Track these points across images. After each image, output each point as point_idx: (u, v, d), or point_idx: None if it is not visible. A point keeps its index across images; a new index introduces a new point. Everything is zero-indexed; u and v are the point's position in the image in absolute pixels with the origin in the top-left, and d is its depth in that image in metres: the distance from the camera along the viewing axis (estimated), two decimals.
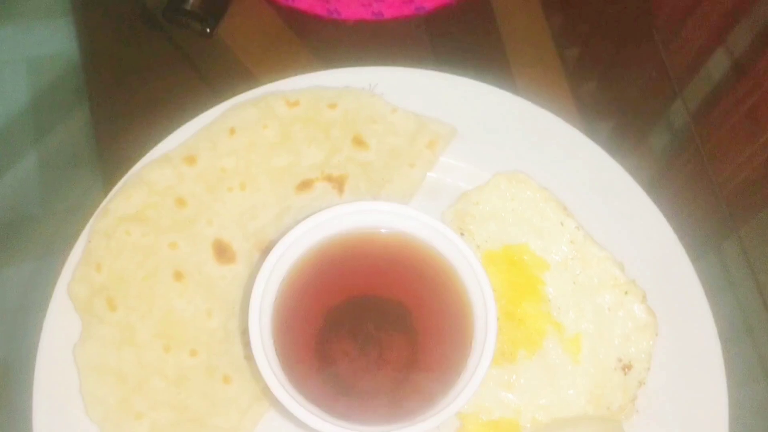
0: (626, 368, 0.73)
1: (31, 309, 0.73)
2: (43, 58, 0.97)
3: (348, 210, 0.67)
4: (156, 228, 0.73)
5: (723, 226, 0.90)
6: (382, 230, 0.68)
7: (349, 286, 0.68)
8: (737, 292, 0.87)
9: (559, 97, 0.91)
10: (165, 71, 0.92)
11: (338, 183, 0.75)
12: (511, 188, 0.78)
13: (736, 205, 0.90)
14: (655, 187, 0.80)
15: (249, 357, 0.70)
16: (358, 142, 0.77)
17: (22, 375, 0.70)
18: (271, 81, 0.81)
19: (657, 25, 0.97)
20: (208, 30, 0.87)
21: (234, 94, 0.80)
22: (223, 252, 0.73)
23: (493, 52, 0.94)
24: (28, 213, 0.87)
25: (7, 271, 0.84)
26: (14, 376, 0.73)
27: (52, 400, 0.68)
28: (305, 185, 0.75)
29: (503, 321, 0.73)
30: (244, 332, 0.70)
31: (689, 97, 0.98)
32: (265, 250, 0.73)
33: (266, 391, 0.68)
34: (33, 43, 0.97)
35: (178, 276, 0.72)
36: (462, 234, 0.75)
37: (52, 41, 0.97)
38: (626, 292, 0.74)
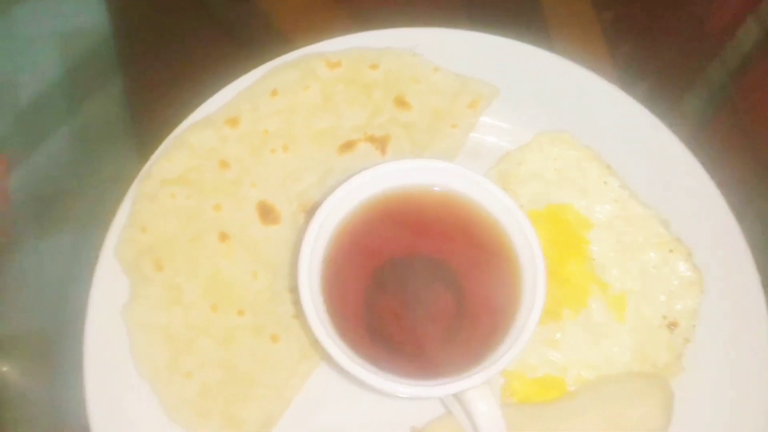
0: (672, 326, 0.73)
1: (72, 280, 0.74)
2: (75, 31, 0.97)
3: (394, 168, 0.67)
4: (200, 190, 0.73)
5: (762, 183, 0.89)
6: (429, 188, 0.67)
7: (395, 244, 0.68)
8: None
9: (596, 58, 0.90)
10: (199, 39, 0.92)
11: (381, 144, 0.75)
12: (554, 148, 0.77)
13: None
14: (693, 146, 0.79)
15: (296, 316, 0.71)
16: (401, 102, 0.76)
17: (69, 342, 0.71)
18: (308, 45, 0.81)
19: None
20: None
21: (271, 59, 0.80)
22: (267, 213, 0.73)
23: (530, 13, 0.93)
24: (63, 186, 0.88)
25: (45, 244, 0.84)
26: (62, 343, 0.74)
27: (103, 359, 0.69)
28: (348, 146, 0.75)
29: (548, 280, 0.72)
30: (292, 291, 0.71)
31: (727, 57, 0.97)
32: (309, 212, 0.73)
33: (316, 346, 0.69)
34: (64, 16, 0.97)
35: (223, 237, 0.72)
36: None
37: (84, 14, 0.97)
38: (671, 250, 0.74)
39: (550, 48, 0.83)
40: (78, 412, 0.68)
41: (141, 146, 0.83)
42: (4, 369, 0.81)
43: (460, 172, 0.67)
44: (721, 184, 0.76)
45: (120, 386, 0.69)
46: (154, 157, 0.75)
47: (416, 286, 0.68)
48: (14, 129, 0.92)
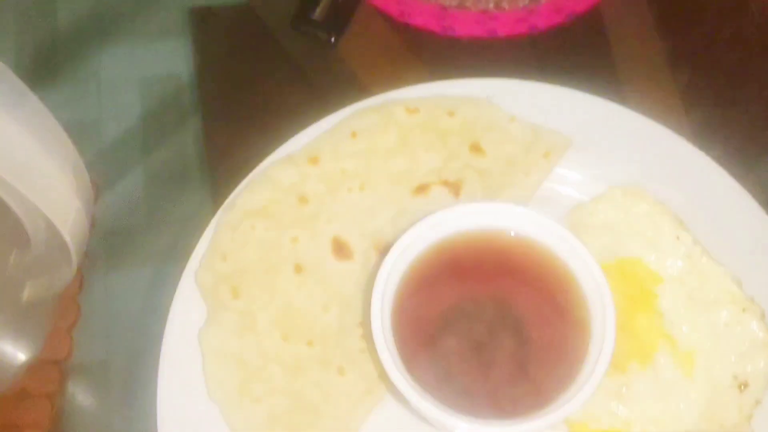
0: (742, 386, 0.71)
1: (144, 315, 0.77)
2: (156, 76, 1.02)
3: (467, 209, 0.69)
4: (279, 223, 0.76)
5: None
6: (502, 231, 0.69)
7: (465, 287, 0.69)
8: None
9: (672, 118, 0.90)
10: (277, 84, 0.96)
11: (455, 188, 0.77)
12: (627, 201, 0.78)
13: None
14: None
15: (363, 350, 0.72)
16: (476, 148, 0.78)
17: (142, 371, 0.74)
18: (385, 92, 0.84)
19: None
20: (332, 39, 0.91)
21: (347, 106, 0.83)
22: (341, 249, 0.76)
23: (604, 71, 0.95)
24: (136, 222, 0.92)
25: (117, 278, 0.88)
26: (136, 372, 0.77)
27: (176, 380, 0.71)
28: (422, 189, 0.77)
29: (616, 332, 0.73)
30: (360, 326, 0.73)
31: None
32: (382, 250, 0.75)
33: (383, 379, 0.70)
34: (147, 62, 1.02)
35: (298, 269, 0.74)
36: None
37: (167, 61, 1.02)
38: (744, 309, 0.73)
39: (623, 103, 0.84)
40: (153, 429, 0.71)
41: (214, 188, 0.87)
42: (77, 393, 0.84)
43: (534, 217, 0.68)
44: None
45: (191, 408, 0.71)
46: (238, 190, 0.78)
47: (484, 329, 0.68)
48: (95, 166, 0.96)
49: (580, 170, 0.81)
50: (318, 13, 0.90)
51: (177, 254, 0.78)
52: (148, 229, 0.91)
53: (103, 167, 0.96)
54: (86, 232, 0.65)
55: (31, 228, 0.61)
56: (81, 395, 0.84)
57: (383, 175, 0.78)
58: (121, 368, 0.83)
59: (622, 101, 0.88)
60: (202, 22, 1.01)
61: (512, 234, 0.69)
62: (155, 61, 1.01)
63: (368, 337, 0.72)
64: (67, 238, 0.61)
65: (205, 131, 0.96)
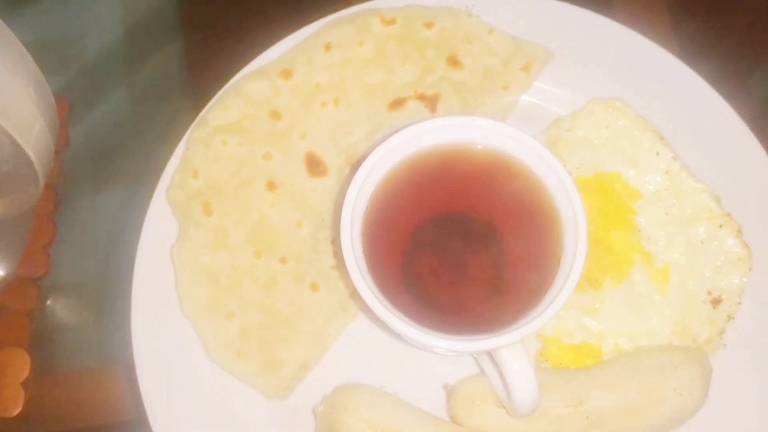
0: (716, 302, 0.72)
1: (125, 233, 0.76)
2: None
3: (442, 124, 0.67)
4: (251, 139, 0.75)
5: None
6: (476, 146, 0.67)
7: (438, 202, 0.69)
8: None
9: (659, 33, 0.88)
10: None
11: (431, 102, 0.75)
12: (607, 115, 0.76)
13: None
14: (754, 129, 0.76)
15: (336, 267, 0.72)
16: (453, 61, 0.76)
17: (119, 288, 0.74)
18: (364, 2, 0.81)
19: None
20: None
21: (326, 16, 0.80)
22: (315, 165, 0.75)
23: None
24: (119, 142, 0.90)
25: (101, 197, 0.87)
26: (112, 290, 0.77)
27: (150, 296, 0.72)
28: (398, 103, 0.76)
29: (591, 248, 0.70)
30: (333, 243, 0.72)
31: None
32: (356, 165, 0.73)
33: (354, 298, 0.70)
34: None
35: (271, 186, 0.73)
36: None
37: None
38: (721, 225, 0.73)
39: (612, 17, 0.81)
40: (124, 347, 0.71)
41: (196, 103, 0.85)
42: (56, 310, 0.84)
43: (508, 132, 0.66)
44: None
45: (164, 324, 0.71)
46: (209, 105, 0.76)
47: (456, 244, 0.68)
48: (76, 83, 0.94)
49: (560, 84, 0.79)
50: None
51: (157, 175, 0.77)
52: (131, 149, 0.90)
53: (84, 86, 0.94)
54: (51, 149, 0.64)
55: None
56: (59, 312, 0.84)
57: (358, 89, 0.76)
58: (98, 286, 0.84)
59: (609, 12, 0.86)
60: None
61: (484, 149, 0.67)
62: None
63: (341, 254, 0.71)
64: (31, 154, 0.60)
65: (187, 46, 0.94)
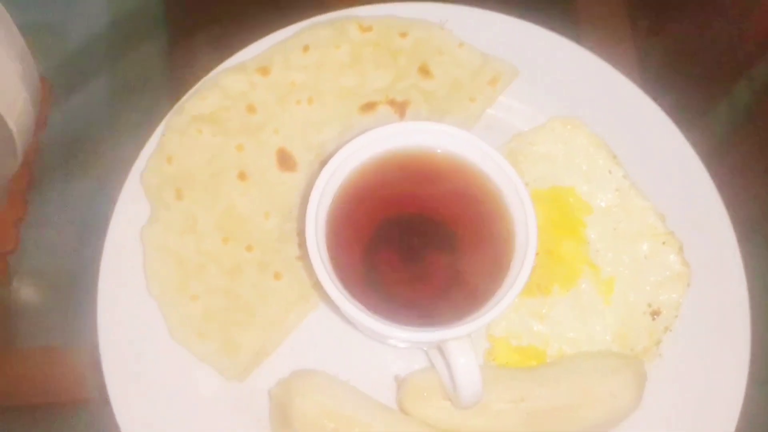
0: (655, 314, 0.76)
1: (93, 219, 0.78)
2: None
3: (407, 128, 0.70)
4: (226, 130, 0.77)
5: None
6: (438, 151, 0.71)
7: (400, 202, 0.72)
8: None
9: (623, 61, 0.92)
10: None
11: (400, 108, 0.79)
12: (566, 132, 0.81)
13: None
14: (710, 163, 0.81)
15: (300, 258, 0.75)
16: (424, 71, 0.80)
17: (87, 275, 0.75)
18: (343, 9, 0.84)
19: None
20: None
21: (305, 19, 0.84)
22: (285, 160, 0.78)
23: (563, 5, 0.96)
24: (96, 131, 0.92)
25: (73, 185, 0.89)
26: (79, 273, 0.78)
27: (117, 275, 0.74)
28: (369, 107, 0.79)
29: (542, 256, 0.76)
30: (299, 234, 0.75)
31: (755, 76, 0.99)
32: (324, 163, 0.76)
33: (316, 288, 0.73)
34: None
35: (242, 176, 0.76)
36: None
37: None
38: (664, 243, 0.77)
39: (578, 42, 0.86)
40: (88, 327, 0.73)
41: (174, 97, 0.87)
42: (22, 284, 0.85)
43: (470, 139, 0.70)
44: (731, 204, 0.79)
45: (129, 301, 0.73)
46: (187, 95, 0.79)
47: (415, 242, 0.71)
48: (58, 68, 0.96)
49: (523, 101, 0.83)
50: None
51: (117, 169, 0.79)
52: (106, 138, 0.92)
53: (66, 72, 0.96)
54: (32, 124, 0.66)
55: None
56: (24, 290, 0.86)
57: (332, 90, 0.80)
58: (66, 266, 0.85)
59: (576, 40, 0.90)
60: None
61: (447, 154, 0.71)
62: None
63: (305, 245, 0.74)
64: (13, 126, 0.62)
65: (170, 39, 0.96)
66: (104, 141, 0.90)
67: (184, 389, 0.72)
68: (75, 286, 0.80)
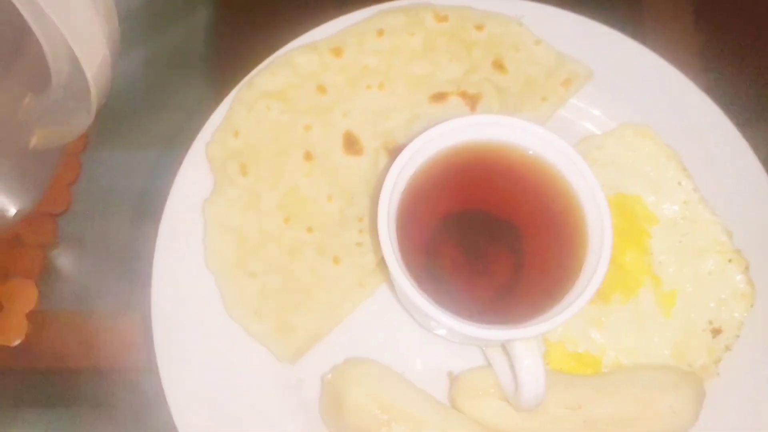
0: (716, 331, 0.74)
1: (150, 189, 0.77)
2: None
3: (482, 121, 0.69)
4: (295, 108, 0.76)
5: None
6: (513, 146, 0.70)
7: (470, 196, 0.71)
8: None
9: (687, 61, 0.91)
10: None
11: (471, 100, 0.77)
12: (636, 140, 0.79)
13: None
14: None
15: (360, 244, 0.73)
16: (498, 65, 0.79)
17: (141, 241, 0.75)
18: None
19: None
20: None
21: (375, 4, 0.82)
22: (352, 144, 0.76)
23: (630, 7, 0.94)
24: (132, 106, 0.91)
25: (126, 154, 0.87)
26: (134, 240, 0.77)
27: (175, 246, 0.73)
28: (439, 97, 0.78)
29: None
30: (360, 220, 0.74)
31: None
32: (392, 151, 0.76)
33: (376, 273, 0.72)
34: None
35: (308, 156, 0.75)
36: None
37: None
38: (730, 260, 0.76)
39: (642, 43, 0.84)
40: (138, 296, 0.73)
41: (216, 80, 0.87)
42: (70, 248, 0.84)
43: (547, 136, 0.68)
44: None
45: (185, 274, 0.72)
46: (257, 69, 0.78)
47: (482, 238, 0.70)
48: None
49: (595, 104, 0.82)
50: None
51: (173, 141, 0.78)
52: (145, 113, 0.91)
53: (127, 37, 0.94)
54: (108, 84, 0.64)
55: (55, 68, 0.61)
56: (74, 252, 0.84)
57: (403, 77, 0.78)
58: (119, 229, 0.84)
59: (641, 39, 0.88)
60: None
61: (522, 150, 0.69)
62: None
63: (367, 231, 0.73)
64: (91, 81, 0.61)
65: (216, 20, 0.95)
66: (164, 110, 0.89)
67: (234, 366, 0.71)
68: (128, 254, 0.79)
